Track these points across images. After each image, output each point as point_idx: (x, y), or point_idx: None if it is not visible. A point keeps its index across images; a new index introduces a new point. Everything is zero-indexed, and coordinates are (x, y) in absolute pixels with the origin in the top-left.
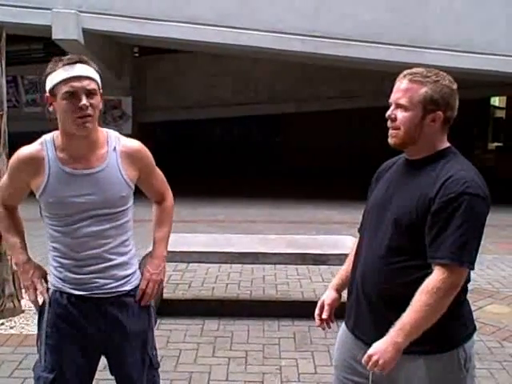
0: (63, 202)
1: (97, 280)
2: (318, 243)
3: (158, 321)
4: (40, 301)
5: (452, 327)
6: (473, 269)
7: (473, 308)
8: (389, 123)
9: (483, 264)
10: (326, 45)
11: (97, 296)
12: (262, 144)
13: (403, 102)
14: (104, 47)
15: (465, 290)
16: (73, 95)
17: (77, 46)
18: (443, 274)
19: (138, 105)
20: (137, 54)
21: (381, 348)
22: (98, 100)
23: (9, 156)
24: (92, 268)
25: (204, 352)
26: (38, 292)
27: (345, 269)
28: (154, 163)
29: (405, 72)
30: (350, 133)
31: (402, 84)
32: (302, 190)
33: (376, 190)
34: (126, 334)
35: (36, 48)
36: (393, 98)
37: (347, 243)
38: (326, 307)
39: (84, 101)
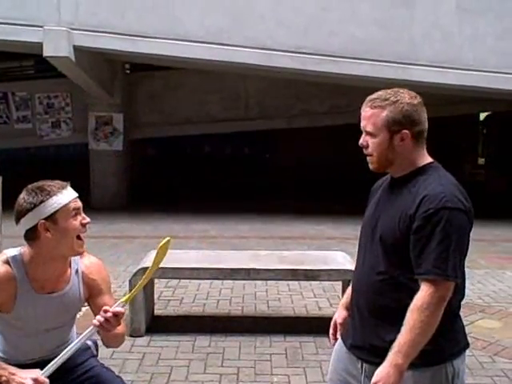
0: (24, 321)
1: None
2: (309, 259)
3: (149, 337)
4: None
5: (441, 342)
6: (458, 281)
7: (464, 323)
8: (364, 150)
9: (474, 279)
10: (315, 61)
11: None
12: (252, 160)
13: (369, 129)
14: (95, 64)
15: (458, 306)
16: (79, 213)
17: (67, 63)
18: (430, 289)
19: (129, 121)
20: (128, 71)
21: (383, 373)
22: None
23: None
24: (34, 361)
25: (195, 368)
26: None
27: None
28: (108, 286)
29: (367, 99)
30: (339, 148)
31: (365, 112)
32: (292, 206)
33: (368, 208)
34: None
35: (27, 65)
36: (361, 126)
37: (338, 259)
38: (339, 326)
39: (88, 218)
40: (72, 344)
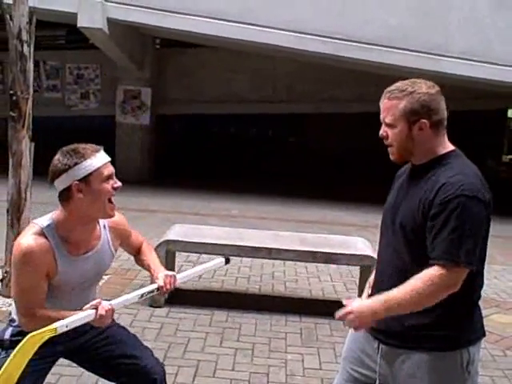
0: (70, 283)
1: None
2: (330, 243)
3: (168, 308)
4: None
5: (459, 329)
6: (471, 269)
7: None
8: (384, 141)
9: (491, 274)
10: (347, 47)
11: None
12: (276, 142)
13: (388, 120)
14: (127, 37)
15: (478, 296)
16: (111, 177)
17: (101, 35)
18: (441, 271)
19: (157, 96)
20: (158, 46)
21: (360, 310)
22: None
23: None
24: None
25: (212, 341)
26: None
27: None
28: (129, 227)
29: (385, 91)
30: (364, 136)
31: (383, 103)
32: (313, 191)
33: (390, 194)
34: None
35: (59, 34)
36: (381, 117)
37: (358, 244)
38: None
39: (119, 182)
40: (149, 287)
